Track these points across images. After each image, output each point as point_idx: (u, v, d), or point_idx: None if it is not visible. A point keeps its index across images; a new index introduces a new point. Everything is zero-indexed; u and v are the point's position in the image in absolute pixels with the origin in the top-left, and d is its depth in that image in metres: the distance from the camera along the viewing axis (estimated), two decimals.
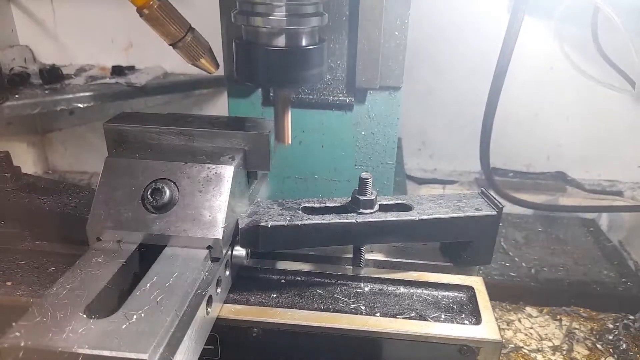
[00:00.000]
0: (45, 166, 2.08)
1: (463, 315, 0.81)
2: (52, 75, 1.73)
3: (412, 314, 0.80)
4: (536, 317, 1.39)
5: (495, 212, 0.85)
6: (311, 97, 1.13)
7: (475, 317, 0.80)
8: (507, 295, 1.43)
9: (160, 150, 0.83)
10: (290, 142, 0.85)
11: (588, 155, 1.86)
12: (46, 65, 1.85)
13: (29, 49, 1.89)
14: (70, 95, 1.64)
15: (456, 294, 0.86)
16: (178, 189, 0.76)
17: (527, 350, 1.27)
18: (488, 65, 1.28)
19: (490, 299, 0.85)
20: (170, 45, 0.77)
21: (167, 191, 0.75)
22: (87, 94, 1.66)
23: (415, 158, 1.95)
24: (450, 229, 0.85)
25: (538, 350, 1.27)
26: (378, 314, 0.80)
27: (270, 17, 0.73)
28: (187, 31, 0.76)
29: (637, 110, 1.74)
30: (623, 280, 1.46)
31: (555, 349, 1.27)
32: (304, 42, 0.77)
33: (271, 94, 1.12)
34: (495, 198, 0.88)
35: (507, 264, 1.51)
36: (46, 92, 1.66)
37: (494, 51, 1.23)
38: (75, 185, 1.03)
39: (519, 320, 1.37)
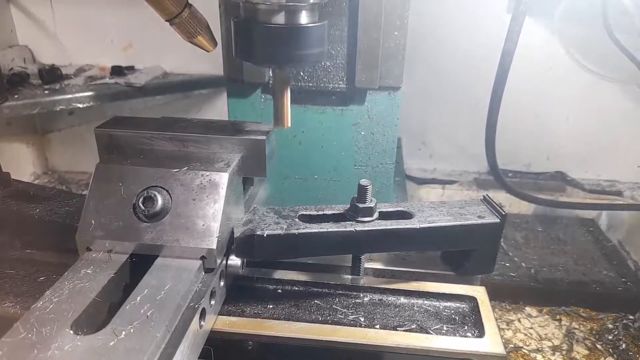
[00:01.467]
0: (44, 166, 2.08)
1: (465, 327, 0.78)
2: (52, 76, 1.73)
3: (413, 326, 0.78)
4: (536, 317, 1.39)
5: (498, 220, 0.82)
6: (310, 84, 1.11)
7: (478, 329, 0.78)
8: (506, 295, 1.43)
9: (153, 156, 0.80)
10: (289, 124, 0.82)
11: (588, 155, 1.85)
12: (45, 65, 1.85)
13: (29, 49, 1.89)
14: (70, 96, 1.65)
15: (458, 305, 0.83)
16: (171, 196, 0.73)
17: (527, 350, 1.27)
18: (488, 65, 1.28)
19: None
20: (166, 21, 0.73)
21: (160, 199, 0.72)
22: (87, 94, 1.66)
23: (415, 158, 1.95)
24: (452, 238, 0.82)
25: (538, 350, 1.27)
26: (378, 326, 0.77)
27: None
28: (184, 7, 0.73)
29: (637, 111, 1.74)
30: (622, 280, 1.46)
31: (554, 349, 1.27)
32: (303, 20, 0.74)
33: (270, 82, 1.11)
34: (498, 205, 0.85)
35: (507, 264, 1.51)
36: (45, 92, 1.66)
37: (494, 50, 1.22)
38: (66, 192, 1.00)
39: (519, 320, 1.37)
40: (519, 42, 1.17)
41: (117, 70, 1.82)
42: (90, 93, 1.66)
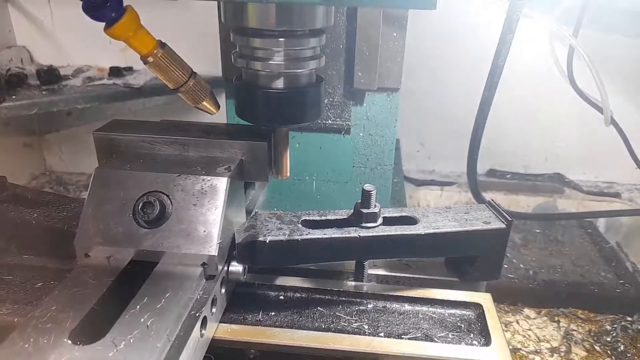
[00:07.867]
0: (42, 167, 2.08)
1: (471, 335, 0.77)
2: (50, 76, 1.73)
3: (418, 334, 0.76)
4: (534, 318, 1.39)
5: (504, 226, 0.81)
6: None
7: (485, 337, 0.76)
8: (505, 296, 1.43)
9: (153, 160, 0.79)
10: (289, 175, 0.85)
11: (586, 156, 1.86)
12: (43, 66, 1.85)
13: (27, 49, 1.89)
14: (68, 96, 1.64)
15: (463, 312, 0.81)
16: (171, 202, 0.72)
17: (525, 351, 1.27)
18: (486, 68, 1.27)
19: None
20: (173, 89, 0.76)
21: (160, 205, 0.71)
22: (85, 95, 1.65)
23: (413, 159, 1.95)
24: (457, 244, 0.81)
25: (536, 352, 1.26)
26: (382, 334, 0.76)
27: (270, 62, 0.73)
28: (189, 76, 0.75)
29: (635, 112, 1.74)
30: (621, 281, 1.46)
31: (553, 350, 1.27)
32: (302, 84, 0.77)
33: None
34: (504, 210, 0.84)
35: (505, 265, 1.51)
36: (43, 93, 1.66)
37: (493, 51, 1.22)
38: (64, 196, 0.98)
39: (517, 322, 1.37)
40: (518, 43, 1.17)
41: (115, 71, 1.82)
42: (88, 94, 1.65)
